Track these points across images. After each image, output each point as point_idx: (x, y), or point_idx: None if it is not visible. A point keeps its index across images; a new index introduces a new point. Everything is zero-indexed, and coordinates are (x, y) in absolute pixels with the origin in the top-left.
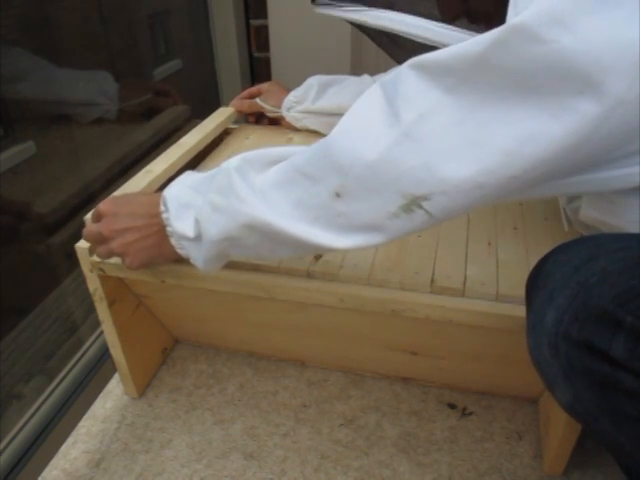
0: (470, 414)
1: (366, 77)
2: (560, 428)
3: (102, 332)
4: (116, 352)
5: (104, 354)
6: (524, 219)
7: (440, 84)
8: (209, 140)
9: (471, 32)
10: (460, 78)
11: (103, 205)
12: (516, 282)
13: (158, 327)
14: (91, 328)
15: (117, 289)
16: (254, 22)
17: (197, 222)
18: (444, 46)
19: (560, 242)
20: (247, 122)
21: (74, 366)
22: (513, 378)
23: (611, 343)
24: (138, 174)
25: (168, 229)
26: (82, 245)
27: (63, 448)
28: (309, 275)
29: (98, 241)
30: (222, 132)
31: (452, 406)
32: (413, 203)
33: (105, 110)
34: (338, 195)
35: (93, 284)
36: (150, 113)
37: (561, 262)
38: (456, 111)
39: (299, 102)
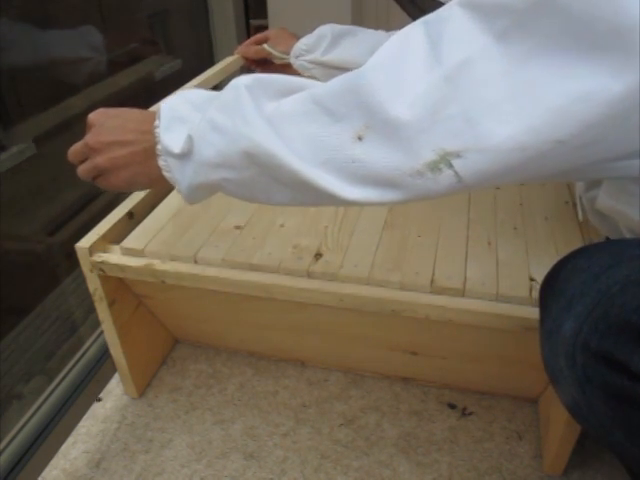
0: (470, 414)
1: (382, 32)
2: (560, 428)
3: (102, 332)
4: (116, 352)
5: (104, 354)
6: (524, 219)
7: (492, 27)
8: (211, 85)
9: None
10: (516, 21)
11: (93, 115)
12: (516, 282)
13: (158, 327)
14: (91, 328)
15: (117, 289)
16: (254, 22)
17: (190, 140)
18: None
19: (561, 242)
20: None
21: (74, 366)
22: (513, 378)
23: (632, 356)
24: None
25: (158, 146)
26: (82, 245)
27: (63, 448)
28: (309, 275)
29: (83, 155)
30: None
31: (452, 406)
32: (442, 160)
33: (95, 63)
34: (359, 138)
35: (93, 284)
36: (136, 61)
37: (580, 268)
38: (506, 60)
39: (309, 51)
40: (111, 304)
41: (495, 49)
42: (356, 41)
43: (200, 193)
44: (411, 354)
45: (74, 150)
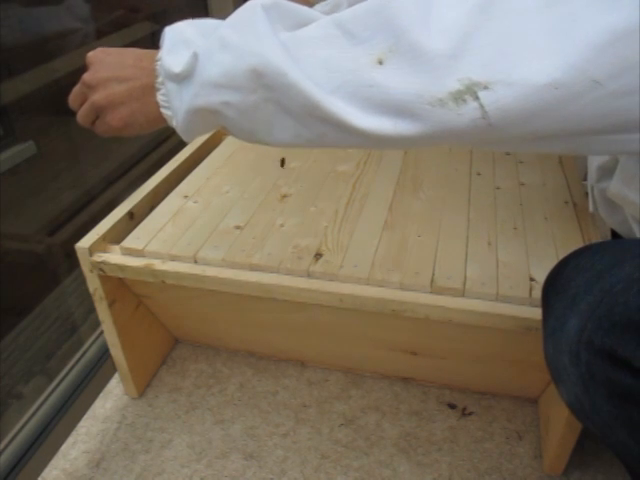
0: (470, 414)
1: None
2: (560, 428)
3: (102, 332)
4: (116, 352)
5: (104, 354)
6: (524, 219)
7: None
8: None
9: None
10: None
11: (91, 53)
12: (516, 282)
13: (158, 327)
14: (91, 328)
15: (117, 289)
16: None
17: (194, 57)
18: None
19: (561, 242)
20: None
21: (74, 366)
22: (513, 378)
23: (636, 353)
24: None
25: (158, 79)
26: (82, 245)
27: (63, 448)
28: (309, 275)
29: (82, 97)
30: None
31: (452, 406)
32: (468, 91)
33: (83, 34)
34: (380, 62)
35: (93, 284)
36: (121, 27)
37: (583, 267)
38: None
39: None
40: (111, 304)
41: None
42: None
43: (197, 124)
44: (411, 354)
45: (74, 93)
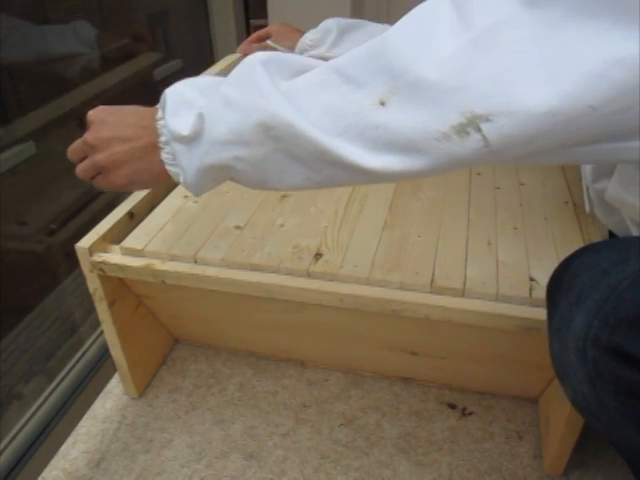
0: (470, 414)
1: (387, 26)
2: (560, 428)
3: (102, 332)
4: (116, 352)
5: (104, 354)
6: (524, 219)
7: None
8: None
9: None
10: None
11: (92, 112)
12: (516, 282)
13: (158, 327)
14: (91, 328)
15: (117, 289)
16: (254, 22)
17: (200, 118)
18: None
19: (561, 242)
20: None
21: (74, 366)
22: (513, 378)
23: None
24: None
25: (161, 138)
26: (82, 245)
27: (63, 448)
28: (309, 275)
29: (82, 153)
30: None
31: (452, 406)
32: (470, 124)
33: (88, 59)
34: (382, 104)
35: (93, 284)
36: (129, 58)
37: (588, 264)
38: (537, 25)
39: (314, 46)
40: (111, 304)
41: (525, 14)
42: (362, 35)
43: (208, 180)
44: (411, 354)
45: (73, 148)
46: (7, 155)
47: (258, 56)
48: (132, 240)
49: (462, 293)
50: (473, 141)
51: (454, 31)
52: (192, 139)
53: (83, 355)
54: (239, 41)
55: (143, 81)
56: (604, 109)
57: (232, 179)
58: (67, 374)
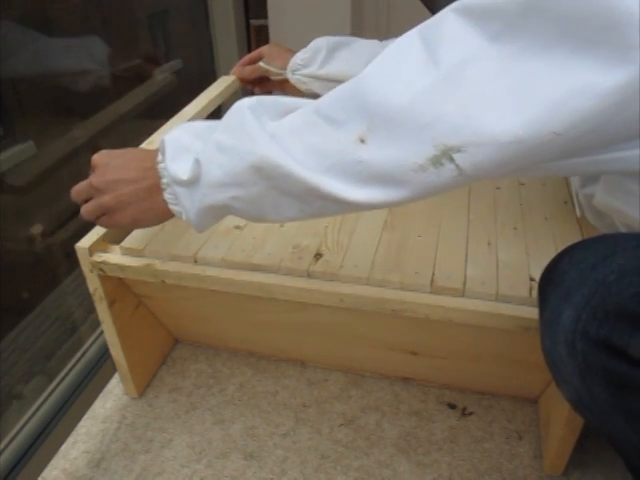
0: (470, 414)
1: (376, 42)
2: (560, 428)
3: (102, 332)
4: (116, 352)
5: (104, 354)
6: (524, 219)
7: (486, 30)
8: (211, 109)
9: None
10: (507, 23)
11: (97, 156)
12: (516, 282)
13: (158, 327)
14: (91, 328)
15: (117, 289)
16: (254, 22)
17: (197, 163)
18: None
19: (561, 242)
20: (250, 93)
21: (74, 366)
22: (513, 378)
23: (630, 341)
24: (140, 146)
25: (163, 180)
26: (82, 245)
27: (63, 448)
28: (309, 275)
29: (87, 195)
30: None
31: (452, 406)
32: (444, 155)
33: (97, 76)
34: (362, 141)
35: (93, 284)
36: (139, 78)
37: (577, 260)
38: (501, 59)
39: (305, 65)
40: (111, 304)
41: (490, 49)
42: (351, 52)
43: (209, 218)
44: (411, 354)
45: (78, 190)
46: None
47: (245, 102)
48: (132, 240)
49: (462, 293)
50: (448, 170)
51: (424, 67)
52: (191, 183)
53: (83, 355)
54: (239, 41)
55: (152, 105)
56: (568, 134)
57: (232, 214)
58: (67, 374)
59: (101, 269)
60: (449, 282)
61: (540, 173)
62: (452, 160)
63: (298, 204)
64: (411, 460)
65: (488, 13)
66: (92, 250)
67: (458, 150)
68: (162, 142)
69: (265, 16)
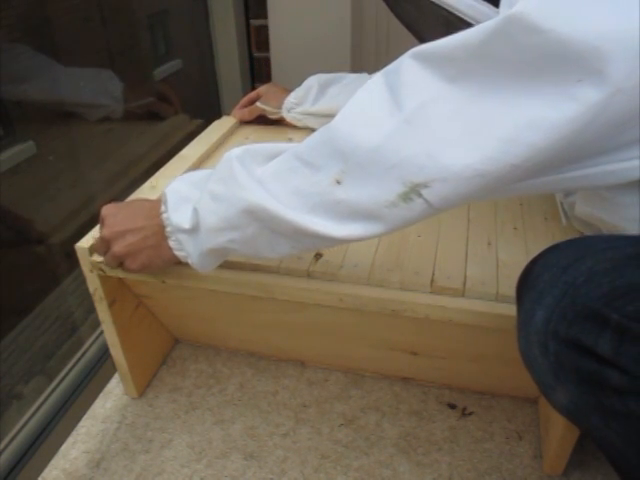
0: (470, 414)
1: (365, 75)
2: (560, 428)
3: (102, 332)
4: (116, 352)
5: (104, 354)
6: (524, 219)
7: (442, 74)
8: (211, 152)
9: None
10: (461, 68)
11: (104, 209)
12: (516, 282)
13: (158, 327)
14: (91, 328)
15: (117, 289)
16: (254, 22)
17: (195, 212)
18: (473, 20)
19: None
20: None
21: (74, 366)
22: (513, 378)
23: (597, 340)
24: (142, 188)
25: (167, 229)
26: (82, 245)
27: (63, 448)
28: (309, 275)
29: (105, 247)
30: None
31: (452, 406)
32: (412, 191)
33: (110, 110)
34: (338, 182)
35: (93, 284)
36: (152, 116)
37: (550, 263)
38: (457, 100)
39: (299, 103)
40: (111, 304)
41: (447, 90)
42: (341, 87)
43: (211, 259)
44: (411, 354)
45: (96, 245)
46: (7, 155)
47: (234, 153)
48: None
49: (462, 293)
50: (417, 204)
51: (389, 112)
52: (192, 230)
53: (83, 355)
54: (239, 41)
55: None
56: (526, 165)
57: (232, 254)
58: (67, 374)
59: (101, 269)
60: (449, 282)
61: (511, 194)
62: (420, 195)
63: (290, 242)
64: (411, 460)
65: (443, 59)
66: (92, 250)
67: (425, 186)
68: (164, 194)
69: (265, 16)
